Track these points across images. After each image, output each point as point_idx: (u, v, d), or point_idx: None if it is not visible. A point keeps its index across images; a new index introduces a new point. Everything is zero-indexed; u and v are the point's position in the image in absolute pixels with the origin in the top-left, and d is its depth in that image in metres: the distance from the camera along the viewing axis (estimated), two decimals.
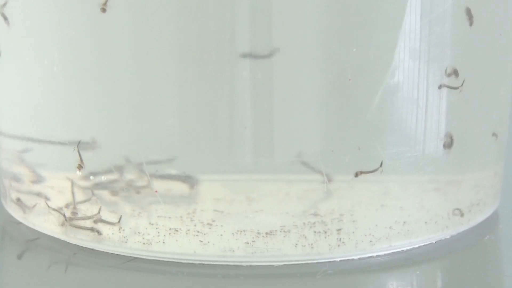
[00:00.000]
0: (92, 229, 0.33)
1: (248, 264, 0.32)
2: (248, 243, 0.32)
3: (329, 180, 0.31)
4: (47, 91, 0.33)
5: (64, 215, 0.34)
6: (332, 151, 0.32)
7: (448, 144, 0.33)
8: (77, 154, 0.33)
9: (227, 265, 0.32)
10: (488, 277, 0.33)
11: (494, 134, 0.35)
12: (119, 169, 0.32)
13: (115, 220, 0.33)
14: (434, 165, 0.33)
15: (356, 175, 0.31)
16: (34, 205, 0.35)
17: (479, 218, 0.36)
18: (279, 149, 0.31)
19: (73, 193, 0.33)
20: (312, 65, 0.31)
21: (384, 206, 0.33)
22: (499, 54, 0.35)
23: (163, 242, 0.32)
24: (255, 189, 0.32)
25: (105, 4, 0.31)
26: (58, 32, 0.32)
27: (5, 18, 0.34)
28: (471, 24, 0.32)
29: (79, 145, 0.32)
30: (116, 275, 0.32)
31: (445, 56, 0.33)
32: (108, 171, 0.33)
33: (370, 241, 0.33)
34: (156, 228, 0.32)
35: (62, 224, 0.34)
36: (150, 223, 0.32)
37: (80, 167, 0.33)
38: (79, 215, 0.34)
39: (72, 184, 0.33)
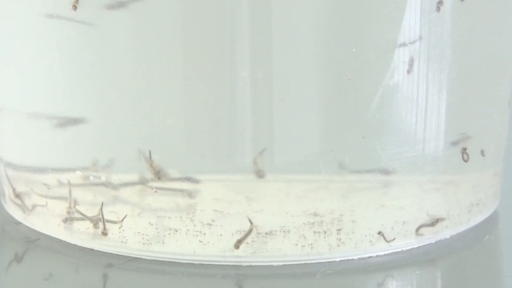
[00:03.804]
0: (91, 229, 0.33)
1: (248, 264, 0.32)
2: (247, 243, 0.32)
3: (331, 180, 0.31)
4: (46, 91, 0.33)
5: (64, 215, 0.34)
6: (331, 151, 0.32)
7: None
8: (101, 218, 0.33)
9: (226, 265, 0.32)
10: (488, 277, 0.33)
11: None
12: (119, 169, 0.32)
13: (115, 220, 0.33)
14: (434, 165, 0.33)
15: None
16: (34, 205, 0.35)
17: (479, 218, 0.36)
18: (279, 149, 0.31)
19: (72, 193, 0.33)
20: (312, 65, 0.31)
21: (384, 206, 0.33)
22: (499, 54, 0.35)
23: (163, 242, 0.32)
24: (255, 189, 0.32)
25: (76, 2, 0.31)
26: (58, 32, 0.32)
27: None
28: None
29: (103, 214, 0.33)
30: (116, 275, 0.32)
31: (444, 56, 0.33)
32: (108, 172, 0.33)
33: (370, 241, 0.33)
34: (156, 228, 0.32)
35: (62, 224, 0.34)
36: (150, 223, 0.32)
37: (104, 234, 0.33)
38: (79, 215, 0.34)
39: (72, 184, 0.33)
